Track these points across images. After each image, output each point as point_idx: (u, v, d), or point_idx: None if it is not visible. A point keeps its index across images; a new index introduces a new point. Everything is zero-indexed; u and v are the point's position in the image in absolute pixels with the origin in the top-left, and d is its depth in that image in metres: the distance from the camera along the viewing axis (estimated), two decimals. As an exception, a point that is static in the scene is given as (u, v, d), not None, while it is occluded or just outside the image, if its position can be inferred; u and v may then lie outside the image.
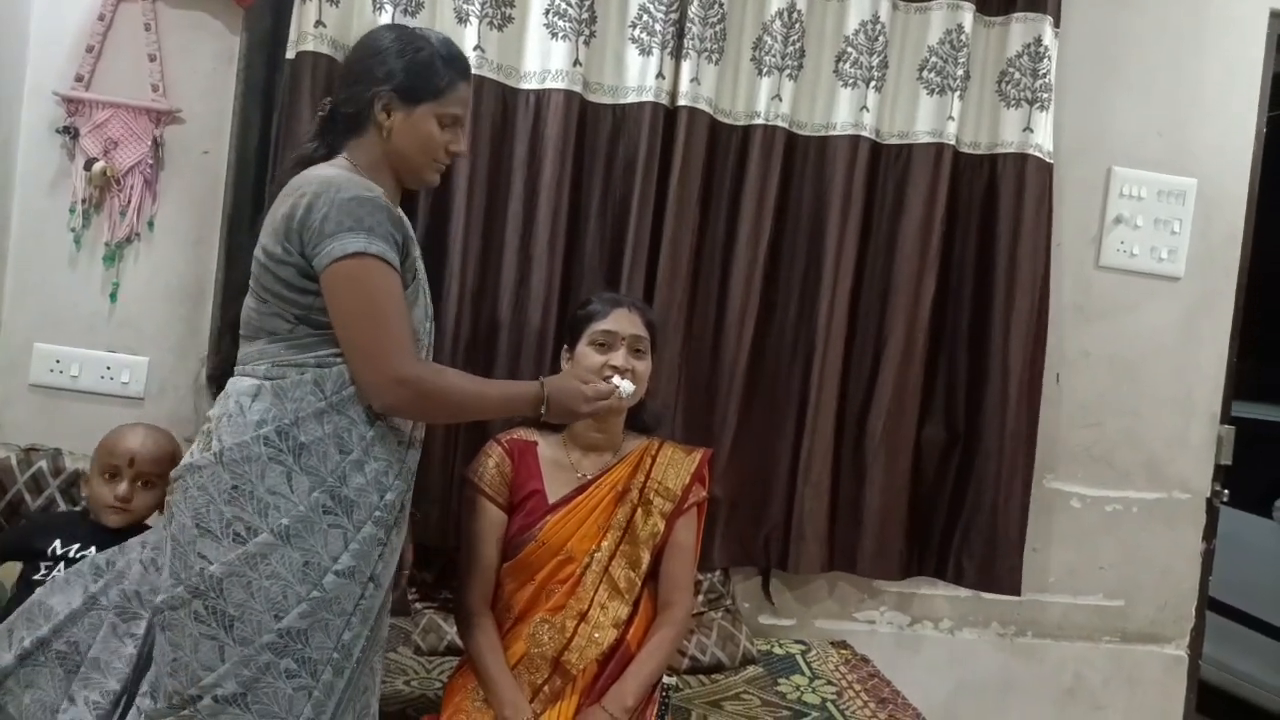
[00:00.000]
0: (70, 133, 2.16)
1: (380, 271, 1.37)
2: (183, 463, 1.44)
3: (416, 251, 1.53)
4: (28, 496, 2.02)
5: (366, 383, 1.39)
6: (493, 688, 1.63)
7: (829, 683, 2.22)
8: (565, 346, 1.83)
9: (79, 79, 2.16)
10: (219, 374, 1.55)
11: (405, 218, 1.52)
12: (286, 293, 1.40)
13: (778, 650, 2.38)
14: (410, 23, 2.17)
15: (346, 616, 1.40)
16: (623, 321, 1.76)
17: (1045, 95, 2.45)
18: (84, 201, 2.17)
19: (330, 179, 1.40)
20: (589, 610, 1.71)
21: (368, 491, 1.42)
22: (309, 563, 1.37)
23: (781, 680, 2.21)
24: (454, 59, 1.53)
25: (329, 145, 1.53)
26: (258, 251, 1.44)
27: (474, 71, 2.15)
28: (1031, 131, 2.45)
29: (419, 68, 1.48)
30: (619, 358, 1.73)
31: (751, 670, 2.25)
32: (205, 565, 1.36)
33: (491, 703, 1.62)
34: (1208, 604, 2.75)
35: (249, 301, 1.46)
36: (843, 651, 2.41)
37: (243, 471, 1.37)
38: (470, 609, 1.73)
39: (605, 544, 1.75)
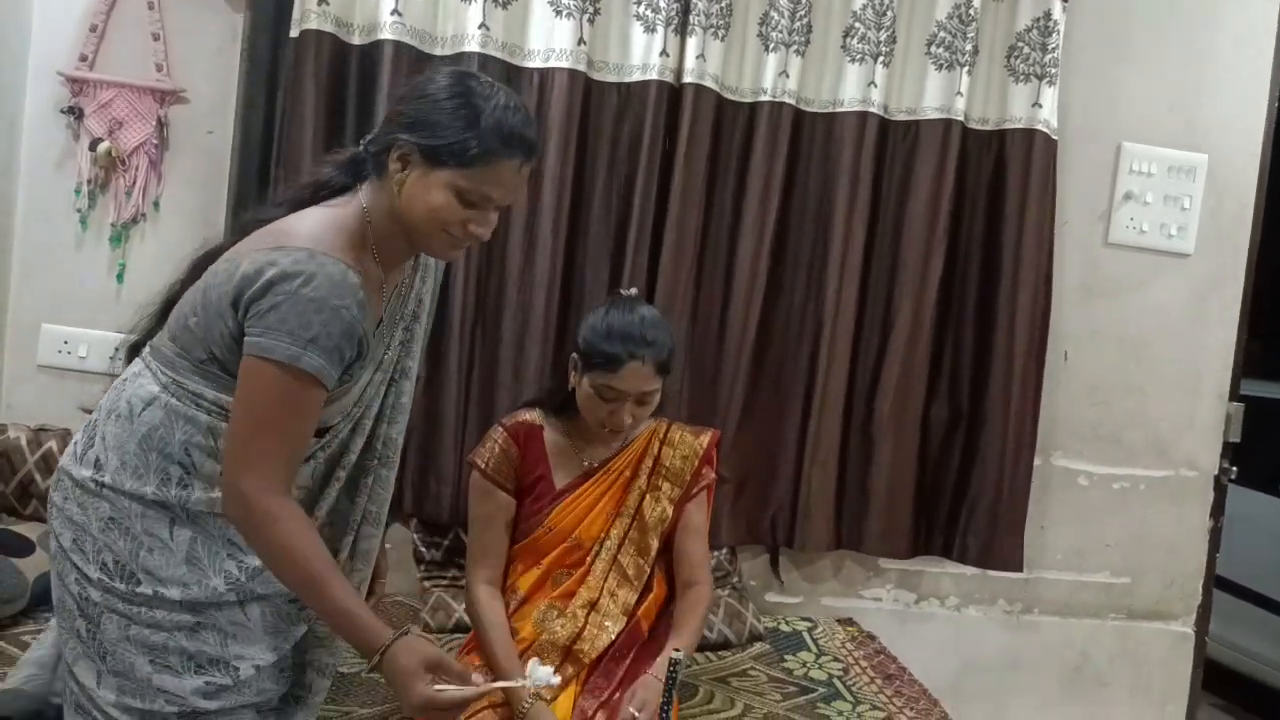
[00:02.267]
0: (75, 113, 2.16)
1: (297, 388, 1.21)
2: (63, 460, 1.33)
3: (374, 349, 1.35)
4: (38, 477, 2.03)
5: (223, 472, 1.25)
6: (499, 673, 1.61)
7: (835, 659, 2.23)
8: (577, 359, 1.72)
9: (83, 59, 2.15)
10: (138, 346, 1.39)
11: (386, 298, 1.36)
12: (215, 332, 1.26)
13: (784, 627, 2.39)
14: (412, 1, 2.16)
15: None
16: (631, 380, 1.65)
17: (1054, 70, 2.43)
18: (90, 182, 2.17)
19: (305, 265, 1.21)
20: (599, 599, 1.71)
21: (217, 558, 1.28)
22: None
23: (788, 657, 2.22)
24: (507, 131, 1.27)
25: (352, 176, 1.35)
26: (219, 266, 1.28)
27: (478, 50, 2.16)
28: (1040, 107, 2.43)
29: (453, 128, 1.26)
30: (622, 412, 1.68)
31: (758, 647, 2.26)
32: (85, 589, 1.27)
33: (505, 692, 1.61)
34: (1215, 582, 2.75)
35: (191, 295, 1.31)
36: (849, 629, 2.42)
37: (121, 506, 1.26)
38: (478, 596, 1.71)
39: (614, 531, 1.74)
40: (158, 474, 1.26)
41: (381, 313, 1.37)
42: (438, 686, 1.23)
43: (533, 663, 1.39)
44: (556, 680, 1.38)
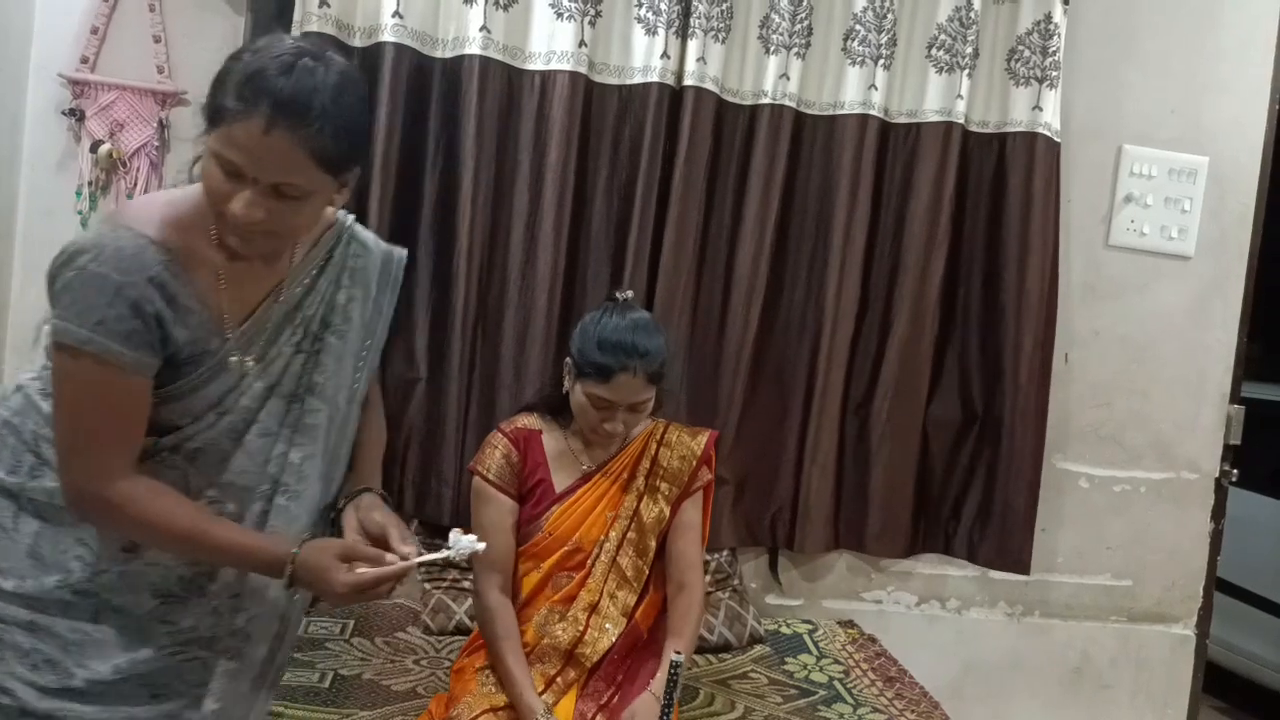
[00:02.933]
0: (76, 115, 2.16)
1: (98, 375, 1.11)
2: None
3: (227, 346, 1.20)
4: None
5: (61, 483, 1.16)
6: (512, 694, 1.60)
7: (836, 662, 2.22)
8: (571, 364, 1.71)
9: (84, 61, 2.15)
10: None
11: (189, 287, 1.16)
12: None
13: (785, 630, 2.39)
14: (413, 3, 2.16)
15: None
16: (623, 391, 1.64)
17: (1055, 74, 2.43)
18: (91, 184, 2.17)
19: (100, 237, 1.12)
20: (599, 602, 1.71)
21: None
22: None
23: (789, 659, 2.22)
24: (249, 83, 1.07)
25: None
26: None
27: (479, 52, 2.16)
28: (1041, 110, 2.43)
29: (216, 81, 1.10)
30: (614, 421, 1.67)
31: (759, 650, 2.25)
32: None
33: (512, 702, 1.60)
34: (1216, 584, 2.75)
35: None
36: (850, 631, 2.42)
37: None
38: (490, 605, 1.69)
39: (613, 534, 1.74)
40: (11, 460, 1.20)
41: (224, 307, 1.20)
42: (360, 570, 1.17)
43: (454, 532, 1.30)
44: (482, 546, 1.30)
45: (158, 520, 1.15)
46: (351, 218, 1.37)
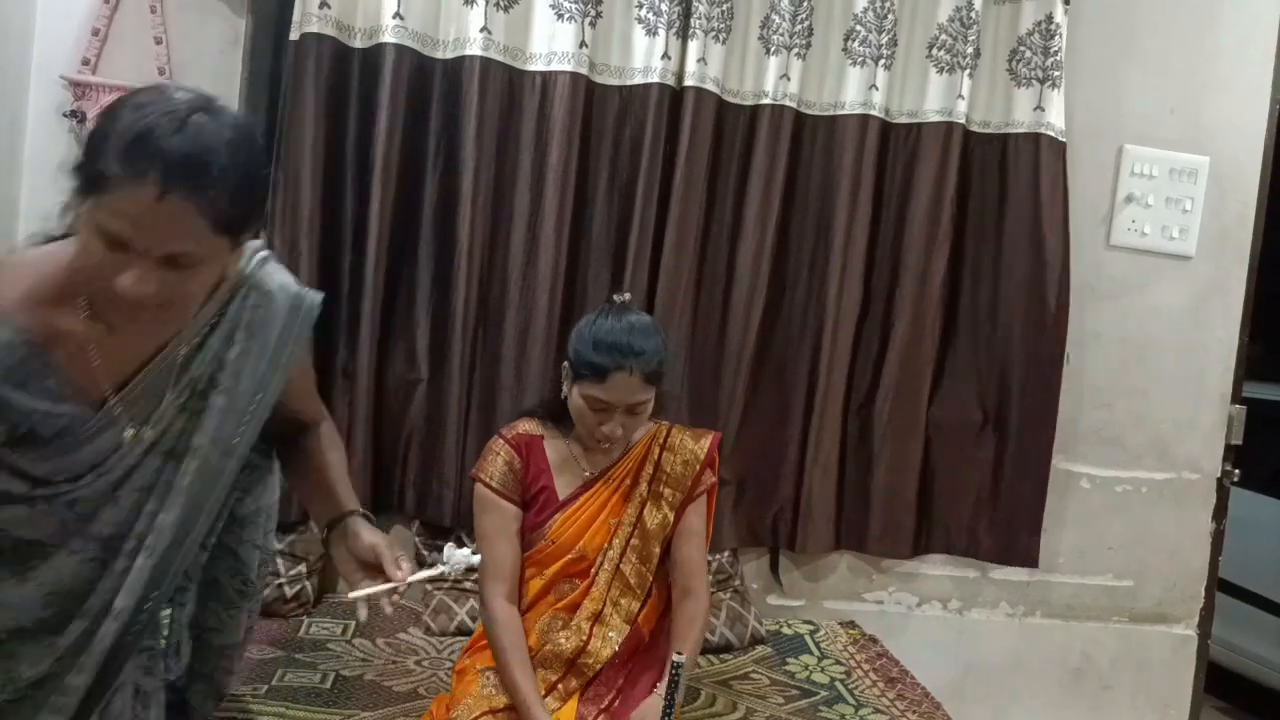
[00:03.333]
0: (77, 117, 2.15)
1: None
2: None
3: (169, 411, 1.19)
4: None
5: None
6: (518, 704, 1.58)
7: (837, 662, 2.22)
8: (569, 367, 1.69)
9: (85, 63, 2.16)
10: None
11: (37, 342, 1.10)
12: None
13: (786, 630, 2.39)
14: (413, 4, 2.16)
15: None
16: (618, 391, 1.62)
17: (1057, 74, 2.43)
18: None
19: None
20: (603, 611, 1.70)
21: None
22: None
23: (790, 660, 2.22)
24: (135, 147, 0.97)
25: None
26: None
27: (480, 53, 2.16)
28: (1043, 110, 2.43)
29: (89, 145, 1.01)
30: (610, 424, 1.65)
31: (760, 650, 2.25)
32: None
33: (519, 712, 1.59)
34: (1217, 585, 2.75)
35: None
36: (851, 631, 2.42)
37: None
38: (496, 616, 1.66)
39: (616, 541, 1.72)
40: None
41: (98, 376, 1.15)
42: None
43: (448, 547, 1.31)
44: (477, 559, 1.31)
45: None
46: (261, 257, 1.28)
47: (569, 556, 1.72)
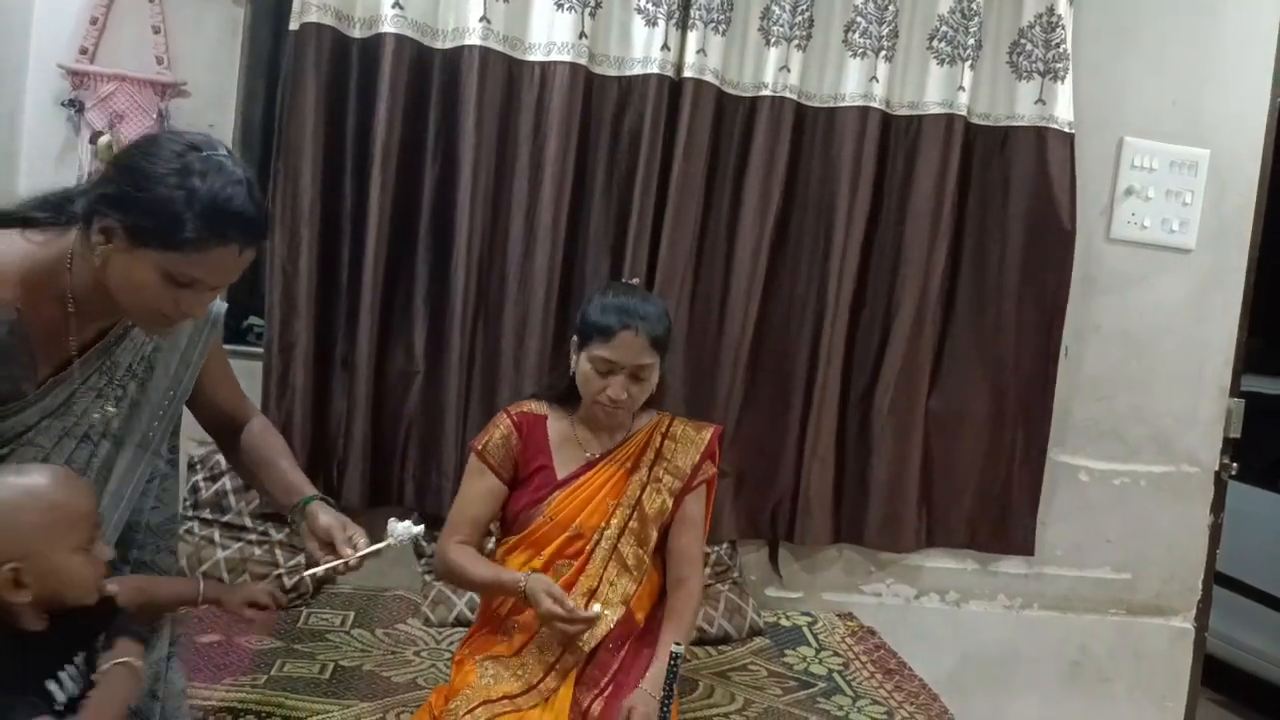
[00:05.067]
0: (75, 106, 2.15)
1: None
2: None
3: (38, 396, 1.22)
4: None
5: None
6: (495, 586, 1.67)
7: (835, 654, 2.23)
8: (576, 340, 1.73)
9: (83, 51, 2.15)
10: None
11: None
12: None
13: (784, 622, 2.39)
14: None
15: None
16: (625, 351, 1.66)
17: (1058, 66, 2.43)
18: (91, 175, 2.17)
19: None
20: (598, 587, 1.71)
21: None
22: None
23: (788, 652, 2.22)
24: (219, 215, 1.14)
25: (59, 215, 1.22)
26: None
27: (479, 44, 2.16)
28: (1044, 103, 2.43)
29: (163, 209, 1.13)
30: (617, 386, 1.67)
31: (758, 642, 2.26)
32: None
33: (503, 592, 1.66)
34: (1215, 577, 2.76)
35: None
36: (849, 623, 2.42)
37: None
38: (448, 550, 1.73)
39: (614, 521, 1.74)
40: None
41: (58, 358, 1.23)
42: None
43: (391, 521, 1.41)
44: (420, 529, 1.42)
45: None
46: None
47: (565, 535, 1.73)
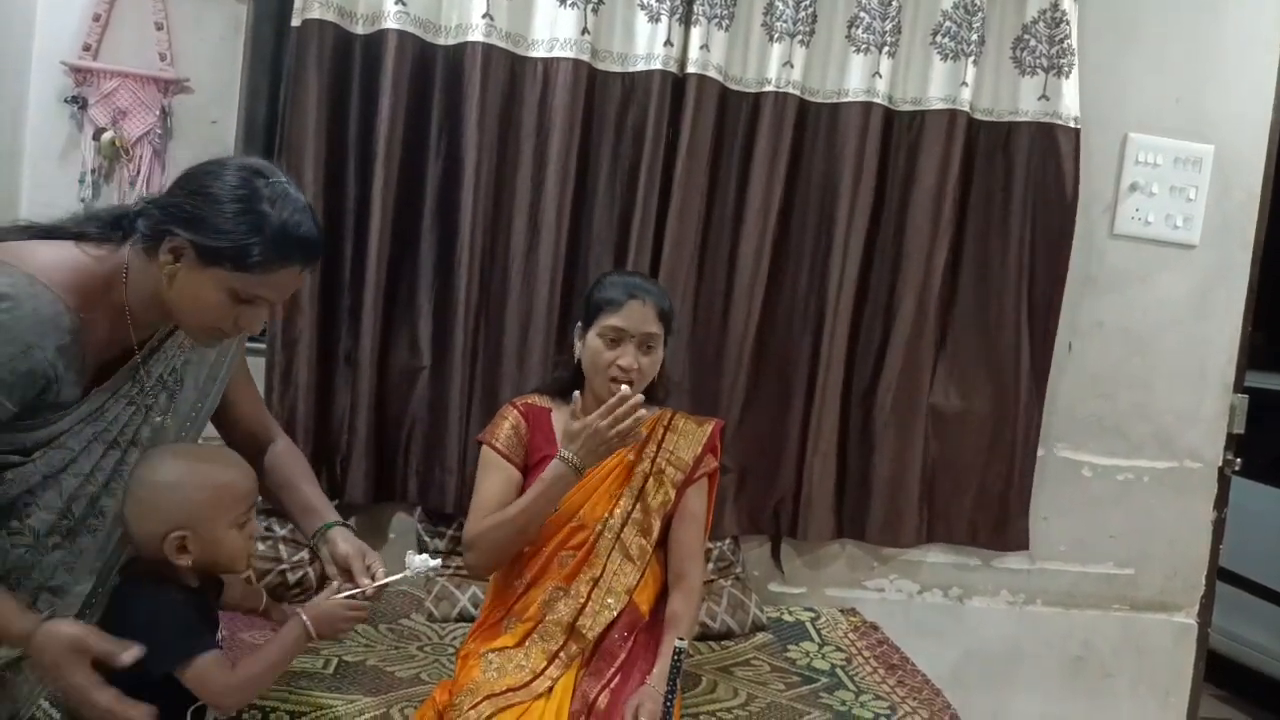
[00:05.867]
0: (79, 102, 2.15)
1: None
2: None
3: (84, 404, 1.26)
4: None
5: None
6: (540, 494, 1.66)
7: (838, 649, 2.23)
8: (580, 323, 1.79)
9: (86, 48, 2.15)
10: None
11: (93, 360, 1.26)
12: None
13: (787, 617, 2.39)
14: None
15: None
16: (635, 318, 1.71)
17: (1063, 61, 2.42)
18: (94, 172, 2.17)
19: (16, 289, 1.16)
20: (602, 575, 1.73)
21: None
22: None
23: (791, 647, 2.22)
24: (288, 239, 1.24)
25: (113, 230, 1.28)
26: None
27: (482, 40, 2.16)
28: (1048, 99, 2.42)
29: (235, 233, 1.21)
30: (628, 355, 1.71)
31: (761, 637, 2.26)
32: None
33: (556, 474, 1.65)
34: (1218, 573, 2.75)
35: None
36: (852, 619, 2.42)
37: None
38: (480, 527, 1.73)
39: (618, 511, 1.76)
40: None
41: (100, 367, 1.28)
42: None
43: (409, 554, 1.45)
44: (437, 563, 1.45)
45: None
46: None
47: (569, 525, 1.74)
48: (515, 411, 1.82)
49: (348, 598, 1.37)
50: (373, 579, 1.41)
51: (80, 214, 1.32)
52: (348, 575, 1.43)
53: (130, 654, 1.17)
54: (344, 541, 1.47)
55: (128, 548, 1.34)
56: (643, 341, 1.72)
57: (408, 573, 1.42)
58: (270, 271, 1.24)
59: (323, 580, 2.21)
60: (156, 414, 1.34)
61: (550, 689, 1.61)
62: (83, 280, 1.23)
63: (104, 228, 1.28)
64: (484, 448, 1.80)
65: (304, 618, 1.31)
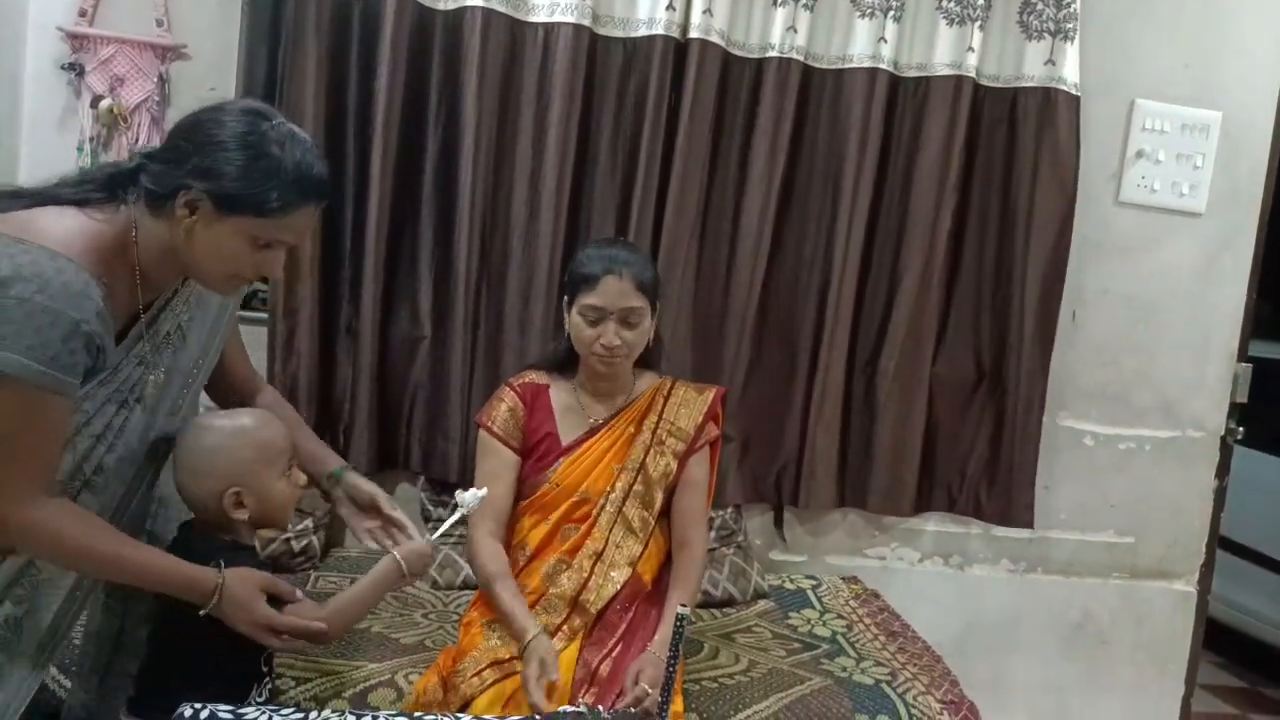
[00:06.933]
0: (76, 70, 2.13)
1: (37, 406, 1.15)
2: None
3: (128, 364, 1.28)
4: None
5: None
6: (507, 620, 1.64)
7: (839, 616, 2.24)
8: (566, 299, 1.76)
9: (82, 14, 2.13)
10: None
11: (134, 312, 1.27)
12: None
13: (789, 585, 2.41)
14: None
15: None
16: (611, 294, 1.67)
17: (1069, 26, 2.39)
18: (92, 139, 2.15)
19: (43, 267, 1.13)
20: (604, 550, 1.73)
21: None
22: None
23: (792, 614, 2.24)
24: (303, 180, 1.24)
25: (115, 191, 1.25)
26: None
27: (482, 4, 2.13)
28: (1054, 64, 2.39)
29: (253, 176, 1.21)
30: (609, 333, 1.68)
31: (763, 604, 2.28)
32: None
33: (510, 632, 1.63)
34: (1219, 542, 2.76)
35: None
36: (853, 586, 2.44)
37: None
38: (481, 547, 1.73)
39: (619, 485, 1.76)
40: None
41: (128, 328, 1.29)
42: (288, 611, 1.32)
43: (458, 493, 1.50)
44: (484, 492, 1.50)
45: (80, 543, 1.22)
46: None
47: (572, 499, 1.75)
48: (512, 393, 1.80)
49: (433, 539, 1.47)
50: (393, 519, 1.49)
51: (71, 176, 1.28)
52: (373, 513, 1.50)
53: (298, 593, 1.35)
54: (364, 481, 1.53)
55: (128, 506, 1.35)
56: (623, 317, 1.69)
57: (463, 510, 1.49)
58: (289, 214, 1.24)
59: (326, 549, 2.24)
60: (161, 370, 1.33)
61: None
62: (98, 246, 1.21)
63: (103, 189, 1.25)
64: (481, 431, 1.79)
65: (397, 555, 1.41)
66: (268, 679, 1.41)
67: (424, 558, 1.45)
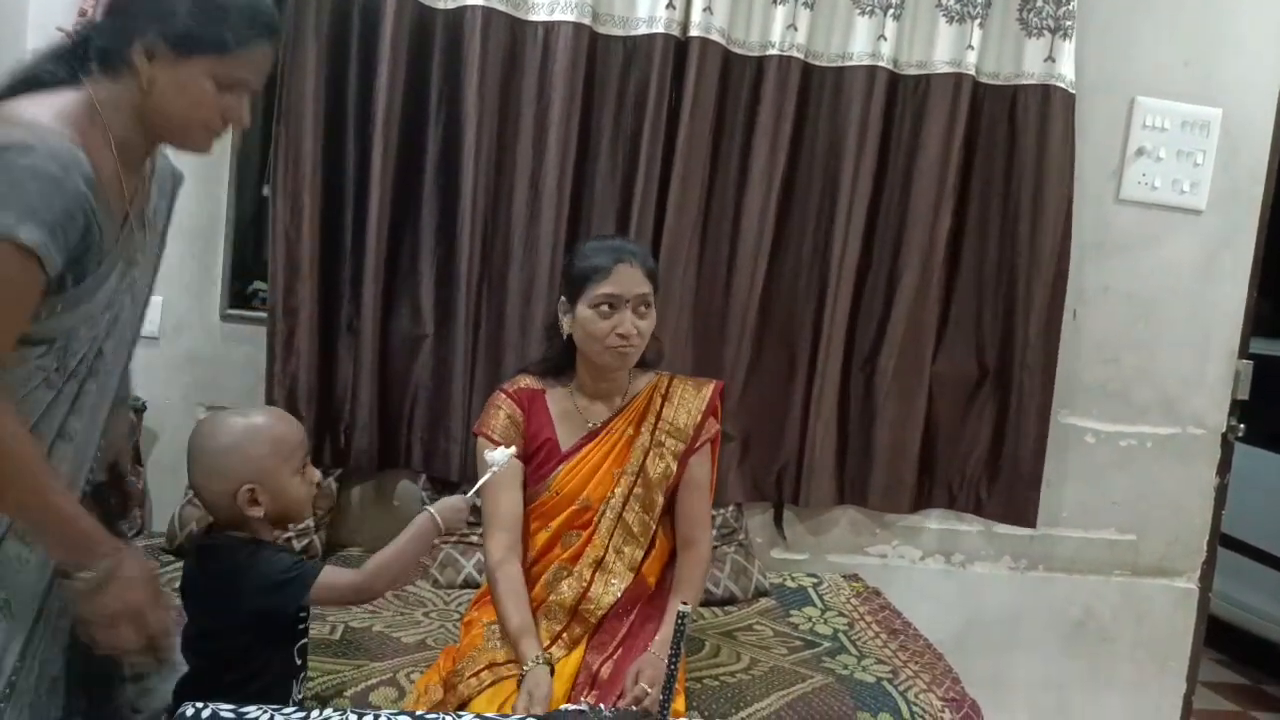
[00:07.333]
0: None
1: (11, 263, 1.08)
2: None
3: (117, 249, 1.24)
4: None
5: None
6: (511, 644, 1.60)
7: (840, 614, 2.24)
8: (563, 298, 1.71)
9: (82, 14, 2.12)
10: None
11: (119, 192, 1.23)
12: None
13: (790, 583, 2.41)
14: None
15: None
16: (626, 281, 1.64)
17: (1069, 23, 2.39)
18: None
19: (22, 136, 1.11)
20: (605, 557, 1.71)
21: None
22: None
23: (794, 612, 2.24)
24: (255, 16, 1.23)
25: (69, 70, 1.22)
26: None
27: (482, 3, 2.13)
28: (1054, 61, 2.39)
29: (205, 12, 1.19)
30: (626, 323, 1.65)
31: (764, 602, 2.28)
32: None
33: (515, 656, 1.59)
34: (1220, 539, 2.76)
35: None
36: (854, 584, 2.44)
37: None
38: (495, 560, 1.68)
39: (619, 490, 1.73)
40: None
41: (127, 212, 1.26)
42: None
43: (486, 452, 1.53)
44: (514, 450, 1.52)
45: (8, 445, 1.12)
46: None
47: (573, 507, 1.72)
48: (509, 400, 1.75)
49: (469, 495, 1.47)
50: None
51: (18, 67, 1.23)
52: None
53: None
54: None
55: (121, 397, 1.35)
56: (637, 304, 1.66)
57: (495, 469, 1.50)
58: (246, 49, 1.22)
59: (329, 548, 2.24)
60: (138, 255, 1.30)
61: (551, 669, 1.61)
62: (74, 120, 1.17)
63: (58, 66, 1.22)
64: (480, 440, 1.73)
65: (431, 510, 1.40)
66: (303, 672, 1.41)
67: (459, 512, 1.44)
